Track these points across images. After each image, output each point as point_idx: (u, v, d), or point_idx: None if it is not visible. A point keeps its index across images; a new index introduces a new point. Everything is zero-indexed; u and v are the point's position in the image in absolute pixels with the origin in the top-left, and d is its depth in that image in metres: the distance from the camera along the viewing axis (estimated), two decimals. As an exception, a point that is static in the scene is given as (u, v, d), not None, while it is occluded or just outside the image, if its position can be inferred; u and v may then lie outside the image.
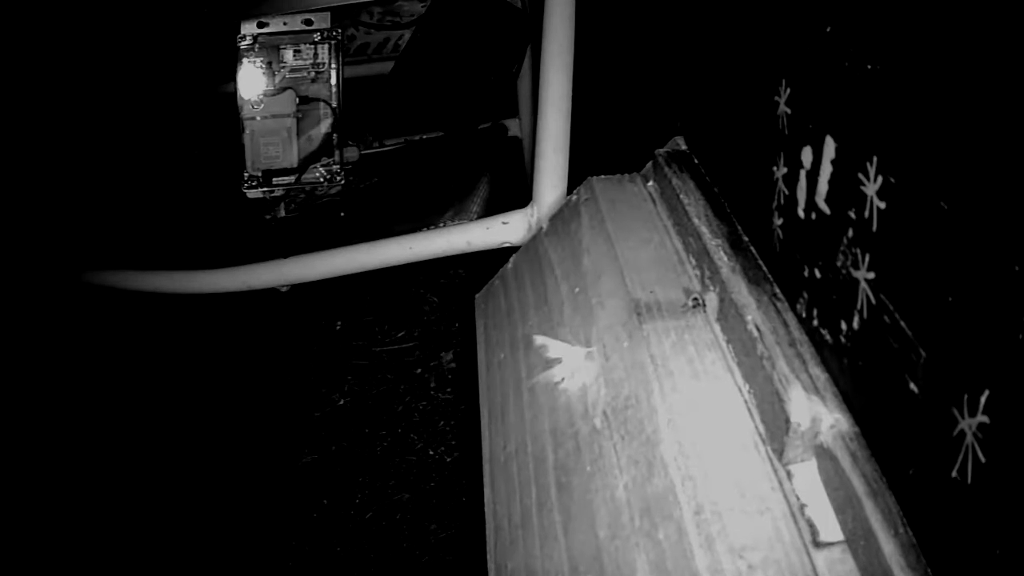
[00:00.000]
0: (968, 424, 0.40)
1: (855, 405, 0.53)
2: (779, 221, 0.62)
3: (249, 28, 1.16)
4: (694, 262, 0.71)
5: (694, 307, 0.67)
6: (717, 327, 0.65)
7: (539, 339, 0.77)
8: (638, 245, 0.75)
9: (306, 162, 1.18)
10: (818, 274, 0.57)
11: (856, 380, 0.53)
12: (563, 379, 0.70)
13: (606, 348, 0.68)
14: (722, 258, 0.66)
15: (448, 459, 1.31)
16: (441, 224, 1.18)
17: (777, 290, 0.63)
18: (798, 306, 0.60)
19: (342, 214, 1.20)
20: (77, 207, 1.25)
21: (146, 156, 1.34)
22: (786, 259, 0.62)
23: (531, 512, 0.66)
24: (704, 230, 0.70)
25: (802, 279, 0.59)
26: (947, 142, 0.42)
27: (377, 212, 1.27)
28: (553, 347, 0.73)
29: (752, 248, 0.67)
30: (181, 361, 1.42)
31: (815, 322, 0.58)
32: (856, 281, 0.52)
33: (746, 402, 0.60)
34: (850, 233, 0.52)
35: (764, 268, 0.65)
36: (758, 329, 0.60)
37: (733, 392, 0.60)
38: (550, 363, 0.73)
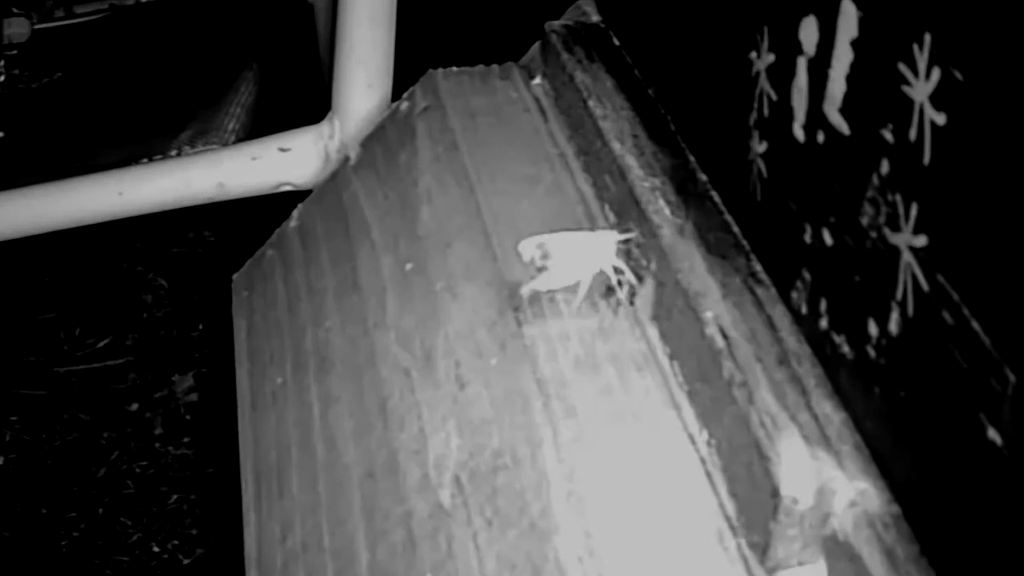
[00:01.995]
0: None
1: (893, 467, 0.54)
2: (761, 147, 0.63)
3: None
4: (613, 218, 0.73)
5: (612, 296, 0.68)
6: (653, 330, 0.67)
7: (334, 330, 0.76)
8: (516, 188, 0.77)
9: (-69, 42, 1.17)
10: (828, 238, 0.57)
11: (895, 424, 0.53)
12: (388, 416, 0.71)
13: (460, 368, 0.69)
14: (661, 210, 0.68)
15: (185, 560, 1.31)
16: (174, 152, 1.16)
17: (758, 267, 0.64)
18: (794, 295, 0.61)
19: (1, 134, 1.21)
20: None
21: None
22: (773, 213, 0.62)
23: (329, 656, 0.68)
24: (631, 162, 0.71)
25: (801, 248, 0.59)
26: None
27: (63, 131, 1.26)
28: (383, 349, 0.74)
29: (714, 194, 0.69)
30: None
31: (823, 322, 0.58)
32: (895, 251, 0.51)
33: (703, 461, 0.60)
34: (884, 168, 0.51)
35: (735, 228, 0.66)
36: (724, 335, 0.60)
37: (682, 443, 0.61)
38: (372, 385, 0.73)
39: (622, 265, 0.69)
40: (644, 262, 0.68)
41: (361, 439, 0.72)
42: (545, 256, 0.70)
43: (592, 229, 0.73)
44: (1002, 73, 0.44)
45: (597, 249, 0.69)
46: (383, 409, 0.72)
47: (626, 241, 0.70)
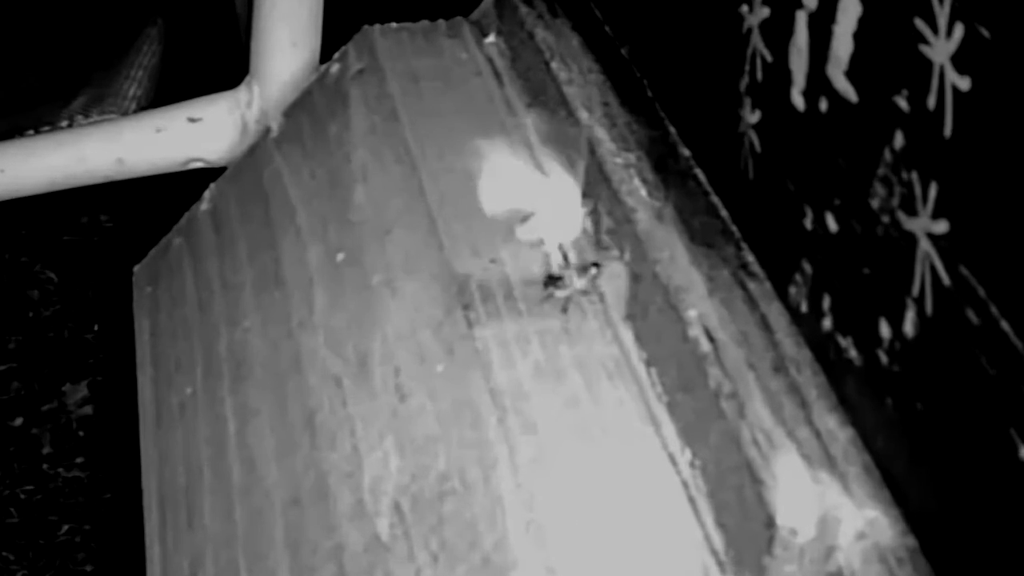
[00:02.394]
0: None
1: (908, 493, 0.53)
2: (753, 117, 0.63)
3: None
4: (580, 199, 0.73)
5: (581, 292, 0.68)
6: (627, 332, 0.67)
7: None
8: (466, 165, 0.76)
9: None
10: (833, 224, 0.57)
11: (912, 441, 0.53)
12: (319, 431, 0.71)
13: (400, 376, 0.69)
14: (637, 191, 0.68)
15: (79, 602, 1.31)
16: (65, 122, 1.15)
17: (750, 257, 0.64)
18: (793, 290, 0.61)
19: None
20: None
21: None
22: (768, 194, 0.62)
23: None
24: (601, 134, 0.71)
25: (801, 235, 0.59)
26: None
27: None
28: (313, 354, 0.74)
29: (698, 171, 0.69)
30: None
31: (827, 322, 0.58)
32: (911, 239, 0.51)
33: (686, 485, 0.60)
34: (898, 141, 0.51)
35: (723, 212, 0.67)
36: (710, 337, 0.60)
37: (661, 464, 0.61)
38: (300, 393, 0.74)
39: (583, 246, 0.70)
40: (617, 250, 0.68)
41: (284, 459, 0.72)
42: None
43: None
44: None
45: (561, 220, 0.70)
46: (310, 424, 0.72)
47: (593, 211, 0.70)
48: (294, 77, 0.96)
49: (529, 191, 0.75)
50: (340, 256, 0.76)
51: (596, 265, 0.69)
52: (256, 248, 0.83)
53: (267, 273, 0.81)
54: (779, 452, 0.55)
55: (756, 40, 0.62)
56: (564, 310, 0.68)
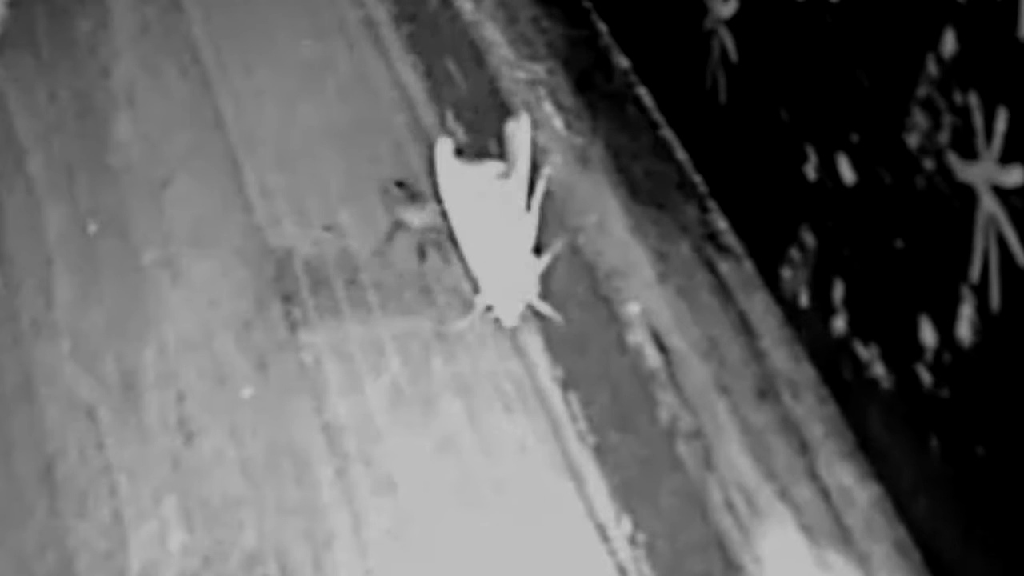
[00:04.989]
0: None
1: None
2: (727, 7, 0.63)
3: None
4: (462, 133, 0.75)
5: (428, 231, 0.70)
6: (534, 338, 0.67)
7: None
8: (286, 80, 0.78)
9: None
10: (848, 172, 0.56)
11: (970, 509, 0.52)
12: None
13: (185, 404, 0.68)
14: (549, 121, 0.68)
15: None
16: None
17: (721, 223, 0.64)
18: (786, 274, 0.61)
19: None
20: None
21: None
22: (749, 127, 0.63)
23: None
24: (493, 34, 0.72)
25: (800, 190, 0.59)
26: None
27: None
28: None
29: (642, 91, 0.70)
30: None
31: (839, 323, 0.58)
32: (968, 195, 0.51)
33: (623, 571, 0.60)
34: (948, 44, 0.51)
35: (679, 155, 0.67)
36: (660, 345, 0.60)
37: (586, 540, 0.61)
38: None
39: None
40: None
41: (10, 531, 0.72)
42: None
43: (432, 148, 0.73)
44: None
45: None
46: (48, 478, 0.71)
47: (481, 152, 0.71)
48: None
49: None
50: (93, 225, 0.77)
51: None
52: None
53: (-19, 248, 0.80)
54: (766, 522, 0.55)
55: None
56: (422, 255, 0.71)
